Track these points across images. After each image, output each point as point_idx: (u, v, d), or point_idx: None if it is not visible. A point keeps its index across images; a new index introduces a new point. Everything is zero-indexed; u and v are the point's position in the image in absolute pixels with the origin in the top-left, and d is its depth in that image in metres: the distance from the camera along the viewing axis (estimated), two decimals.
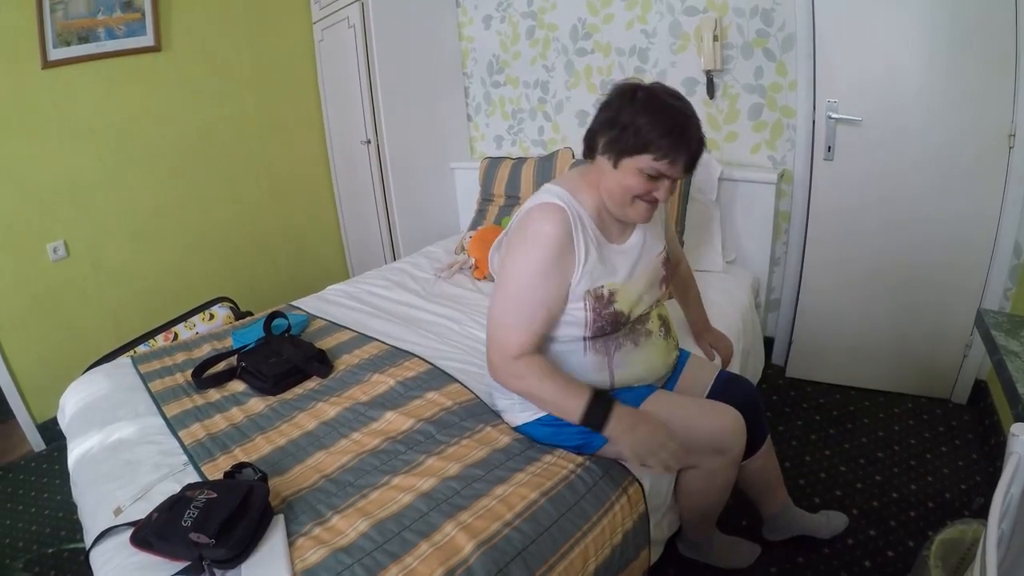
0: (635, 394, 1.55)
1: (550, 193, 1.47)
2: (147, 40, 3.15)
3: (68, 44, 2.88)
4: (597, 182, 1.47)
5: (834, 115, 2.44)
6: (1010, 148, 2.22)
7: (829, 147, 2.50)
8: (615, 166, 1.40)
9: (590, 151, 1.49)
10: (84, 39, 2.93)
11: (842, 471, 2.26)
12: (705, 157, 2.76)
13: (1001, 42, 2.13)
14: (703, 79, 2.80)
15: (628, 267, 1.53)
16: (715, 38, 2.65)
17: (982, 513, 0.87)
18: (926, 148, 2.36)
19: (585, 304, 1.45)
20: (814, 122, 2.52)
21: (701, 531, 1.76)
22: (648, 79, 1.46)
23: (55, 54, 2.85)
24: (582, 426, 1.41)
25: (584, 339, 1.50)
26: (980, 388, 2.56)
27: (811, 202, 2.63)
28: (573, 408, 1.40)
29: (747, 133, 2.79)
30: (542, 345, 1.49)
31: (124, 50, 3.08)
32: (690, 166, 1.40)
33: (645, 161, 1.35)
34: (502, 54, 3.60)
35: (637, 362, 1.57)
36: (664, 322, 1.66)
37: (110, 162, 3.13)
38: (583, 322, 1.47)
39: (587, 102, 3.28)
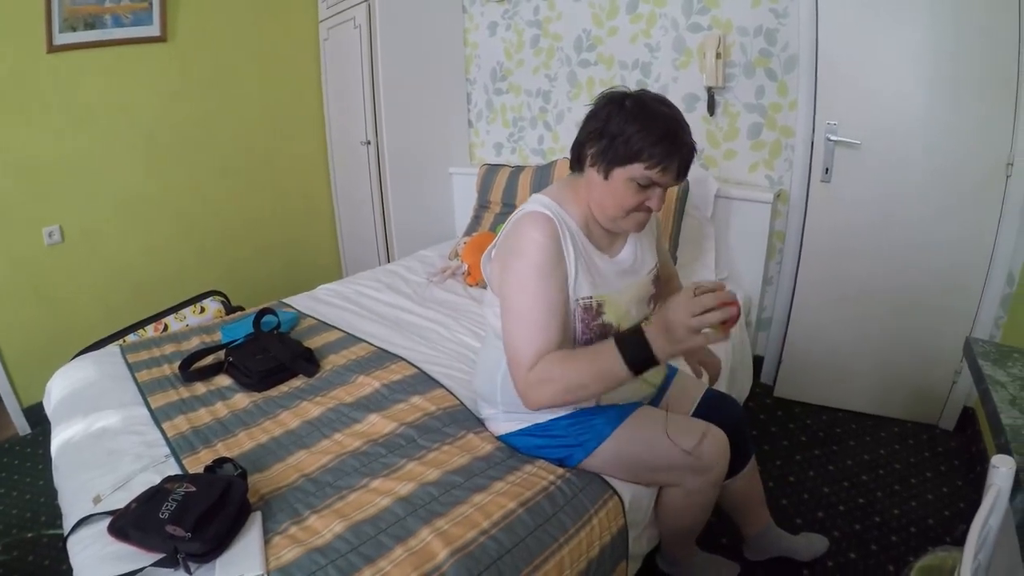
0: (620, 410, 1.54)
1: (537, 203, 1.46)
2: (153, 30, 3.16)
3: (74, 29, 2.88)
4: (586, 194, 1.45)
5: (833, 137, 2.44)
6: (1007, 177, 2.22)
7: (827, 169, 2.50)
8: (606, 177, 1.37)
9: (578, 163, 1.46)
10: (91, 25, 2.94)
11: (825, 492, 2.25)
12: (702, 174, 2.74)
13: (1003, 70, 2.14)
14: (704, 96, 2.82)
15: (617, 279, 1.51)
16: (718, 55, 2.66)
17: (964, 541, 0.87)
18: (923, 173, 2.36)
19: (574, 315, 1.44)
20: (813, 143, 2.52)
21: (681, 548, 1.75)
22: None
23: (60, 39, 2.85)
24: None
25: None
26: (968, 415, 2.56)
27: (806, 223, 2.63)
28: (613, 367, 1.28)
29: (745, 152, 2.80)
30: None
31: (129, 39, 3.08)
32: (682, 172, 1.38)
33: (637, 170, 1.32)
34: (506, 61, 3.61)
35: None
36: None
37: (109, 150, 3.13)
38: (572, 333, 1.46)
39: None
